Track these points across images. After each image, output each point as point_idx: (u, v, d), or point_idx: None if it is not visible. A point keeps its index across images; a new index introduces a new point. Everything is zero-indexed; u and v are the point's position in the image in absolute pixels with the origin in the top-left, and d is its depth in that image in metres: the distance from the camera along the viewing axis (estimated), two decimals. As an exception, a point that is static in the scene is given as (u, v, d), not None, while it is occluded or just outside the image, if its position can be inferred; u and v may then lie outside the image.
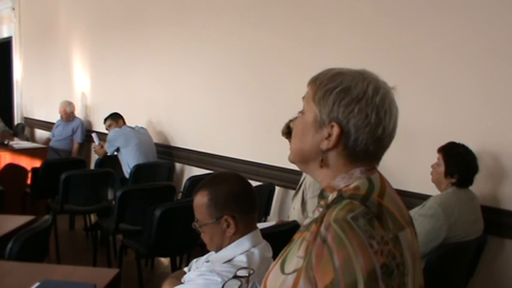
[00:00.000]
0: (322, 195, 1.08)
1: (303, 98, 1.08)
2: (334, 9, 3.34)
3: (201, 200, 1.65)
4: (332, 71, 1.05)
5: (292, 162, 1.11)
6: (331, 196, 1.03)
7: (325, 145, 1.02)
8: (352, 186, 1.01)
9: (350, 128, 1.00)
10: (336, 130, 1.00)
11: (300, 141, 1.07)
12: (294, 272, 0.98)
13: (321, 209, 1.03)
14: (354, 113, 0.99)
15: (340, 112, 1.00)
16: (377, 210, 0.95)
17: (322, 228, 0.93)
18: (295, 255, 1.01)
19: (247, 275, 1.24)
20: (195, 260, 1.84)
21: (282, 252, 1.09)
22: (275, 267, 1.06)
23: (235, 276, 1.27)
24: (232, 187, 1.66)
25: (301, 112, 1.08)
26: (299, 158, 1.09)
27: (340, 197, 0.99)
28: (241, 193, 1.67)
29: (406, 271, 0.94)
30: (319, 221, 0.97)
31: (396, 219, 0.97)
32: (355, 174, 1.02)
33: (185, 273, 1.79)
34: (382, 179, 1.05)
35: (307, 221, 1.07)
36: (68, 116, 6.27)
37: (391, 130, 1.03)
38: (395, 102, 1.04)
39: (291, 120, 2.94)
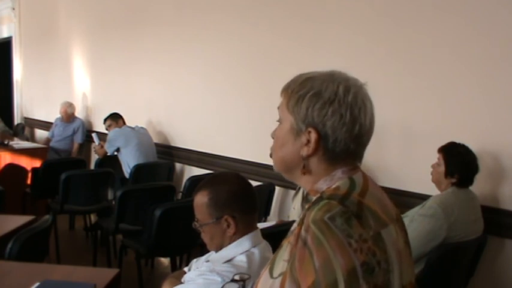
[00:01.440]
0: (307, 199, 1.09)
1: (278, 107, 1.09)
2: (334, 9, 3.34)
3: (201, 199, 1.65)
4: (302, 77, 1.06)
5: (277, 171, 1.12)
6: (314, 198, 1.03)
7: (305, 152, 1.03)
8: (333, 187, 1.02)
9: (327, 130, 1.01)
10: (313, 135, 1.01)
11: (281, 151, 1.09)
12: (280, 275, 0.99)
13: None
14: (328, 115, 1.00)
15: (315, 116, 1.01)
16: (356, 209, 0.95)
17: (303, 231, 0.94)
18: (282, 258, 1.02)
19: (244, 278, 1.24)
20: (195, 259, 1.84)
21: (272, 257, 1.10)
22: (265, 272, 1.07)
23: (233, 280, 1.27)
24: (233, 187, 1.66)
25: (279, 121, 1.10)
26: (282, 168, 1.10)
27: (320, 198, 1.00)
28: (242, 193, 1.67)
29: (390, 268, 0.94)
30: (300, 223, 0.98)
31: (378, 217, 0.97)
32: (336, 175, 1.04)
33: (185, 273, 1.79)
34: (365, 178, 1.05)
35: (294, 225, 1.07)
36: (69, 116, 6.28)
37: (368, 126, 1.04)
38: (369, 97, 1.05)
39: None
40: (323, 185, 1.04)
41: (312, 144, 1.02)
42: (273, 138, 1.12)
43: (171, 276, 1.82)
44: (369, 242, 0.92)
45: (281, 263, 1.01)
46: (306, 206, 1.05)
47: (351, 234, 0.91)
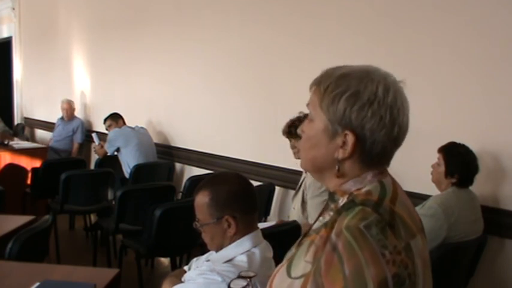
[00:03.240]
0: (332, 198, 1.04)
1: (307, 104, 1.04)
2: (335, 6, 3.34)
3: (201, 199, 1.65)
4: (336, 73, 1.00)
5: (304, 170, 1.08)
6: (342, 200, 1.00)
7: (340, 154, 0.98)
8: (364, 190, 0.98)
9: (365, 133, 0.96)
10: (351, 138, 0.96)
11: (313, 150, 1.02)
12: (301, 276, 0.96)
13: (331, 213, 1.00)
14: (368, 117, 0.95)
15: (353, 119, 0.96)
16: (389, 218, 0.92)
17: (333, 235, 0.91)
18: (302, 259, 0.99)
19: (251, 275, 1.24)
20: (195, 259, 1.84)
21: (289, 255, 1.07)
22: (281, 269, 1.04)
23: (240, 276, 1.26)
24: (233, 187, 1.66)
25: (309, 119, 1.03)
26: (312, 168, 1.05)
27: (351, 202, 0.96)
28: (242, 193, 1.67)
29: (417, 280, 0.91)
30: (329, 226, 0.95)
31: (408, 227, 0.95)
32: (367, 178, 0.99)
33: (185, 272, 1.79)
34: (394, 183, 1.02)
35: (317, 224, 1.04)
36: (71, 113, 6.28)
37: (405, 127, 1.00)
38: (405, 96, 1.00)
39: (292, 120, 2.94)
40: (352, 186, 1.00)
41: (349, 148, 0.97)
42: (300, 135, 1.06)
43: (171, 275, 1.82)
44: (402, 254, 0.89)
45: (301, 263, 0.98)
46: (332, 206, 1.02)
47: (385, 245, 0.88)
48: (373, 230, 0.89)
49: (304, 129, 1.05)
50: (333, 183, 1.03)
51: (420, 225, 1.03)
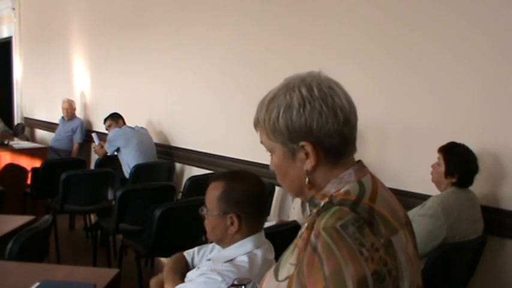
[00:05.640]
0: (313, 203, 1.06)
1: (261, 142, 1.09)
2: (335, 6, 3.33)
3: (215, 190, 1.66)
4: (263, 103, 1.06)
5: (294, 197, 1.12)
6: (323, 202, 1.01)
7: (309, 165, 1.01)
8: (342, 191, 1.00)
9: (316, 134, 0.99)
10: (308, 146, 1.00)
11: (287, 177, 1.07)
12: (286, 279, 0.98)
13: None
14: (308, 119, 0.99)
15: (298, 128, 1.00)
16: (368, 216, 0.94)
17: (312, 237, 0.93)
18: (288, 262, 1.01)
19: (244, 282, 1.25)
20: (196, 248, 1.85)
21: (279, 260, 1.09)
22: (270, 273, 1.06)
23: (233, 285, 1.28)
24: (249, 189, 1.66)
25: (270, 154, 1.09)
26: (296, 192, 1.09)
27: (330, 202, 0.98)
28: (254, 197, 1.67)
29: (400, 275, 0.93)
30: (309, 227, 0.97)
31: (389, 223, 0.96)
32: (345, 178, 1.01)
33: (184, 256, 1.81)
34: (374, 181, 1.03)
35: (302, 230, 1.06)
36: (72, 112, 6.28)
37: (348, 106, 1.02)
38: (332, 80, 1.04)
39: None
40: (331, 188, 1.02)
41: (312, 155, 1.00)
42: (273, 171, 1.10)
43: (170, 268, 1.79)
44: (380, 251, 0.91)
45: (287, 266, 1.00)
46: (314, 210, 1.03)
47: (363, 243, 0.90)
48: (349, 228, 0.91)
49: (272, 166, 1.10)
50: (313, 193, 1.06)
51: (404, 220, 1.04)
